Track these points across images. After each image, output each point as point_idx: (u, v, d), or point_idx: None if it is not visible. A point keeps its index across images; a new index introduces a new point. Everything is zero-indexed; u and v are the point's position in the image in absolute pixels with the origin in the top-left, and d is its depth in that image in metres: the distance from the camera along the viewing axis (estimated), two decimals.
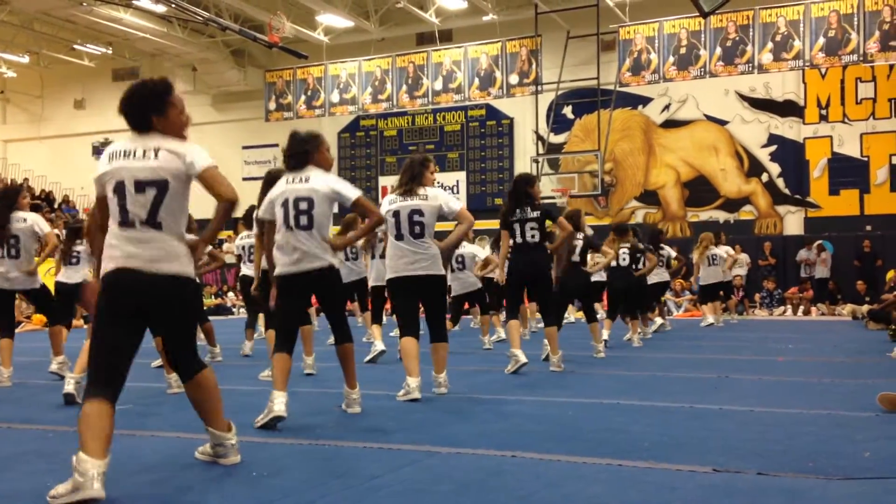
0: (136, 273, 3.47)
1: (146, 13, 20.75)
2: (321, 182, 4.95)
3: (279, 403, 4.69)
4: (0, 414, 5.48)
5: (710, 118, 20.47)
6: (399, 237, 5.81)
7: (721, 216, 20.46)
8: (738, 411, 5.22)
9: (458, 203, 5.93)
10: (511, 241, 7.28)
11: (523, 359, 7.15)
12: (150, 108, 3.70)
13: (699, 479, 3.48)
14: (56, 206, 24.49)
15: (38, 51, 24.25)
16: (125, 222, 3.53)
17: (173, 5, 18.34)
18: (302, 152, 5.04)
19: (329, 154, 5.26)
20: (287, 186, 4.98)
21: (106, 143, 26.56)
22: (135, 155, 3.61)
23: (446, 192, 6.47)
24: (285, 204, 4.92)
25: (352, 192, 4.91)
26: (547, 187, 20.67)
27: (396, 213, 5.79)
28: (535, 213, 7.22)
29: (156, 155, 3.58)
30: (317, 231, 4.90)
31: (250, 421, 4.73)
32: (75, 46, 23.73)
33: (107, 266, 3.53)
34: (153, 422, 5.09)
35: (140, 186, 3.53)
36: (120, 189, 3.55)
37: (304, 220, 4.88)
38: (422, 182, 5.84)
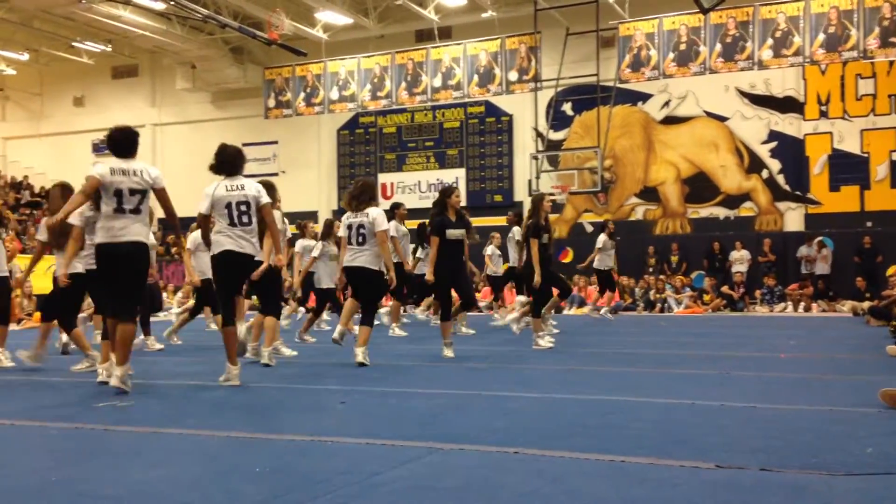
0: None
1: (145, 10, 20.73)
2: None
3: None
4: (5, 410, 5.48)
5: (710, 115, 20.47)
6: (349, 243, 7.83)
7: (721, 213, 20.46)
8: (739, 408, 5.22)
9: (383, 226, 7.75)
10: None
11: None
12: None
13: (702, 475, 3.47)
14: None
15: (38, 48, 24.24)
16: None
17: (172, 2, 18.32)
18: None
19: None
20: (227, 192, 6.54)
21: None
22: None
23: (382, 214, 7.93)
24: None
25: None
26: (546, 184, 20.67)
27: (349, 226, 7.81)
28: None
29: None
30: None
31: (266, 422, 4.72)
32: (75, 44, 23.71)
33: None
34: (159, 420, 5.09)
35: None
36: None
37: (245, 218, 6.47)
38: (369, 204, 7.84)
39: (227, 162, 6.63)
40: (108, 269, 5.94)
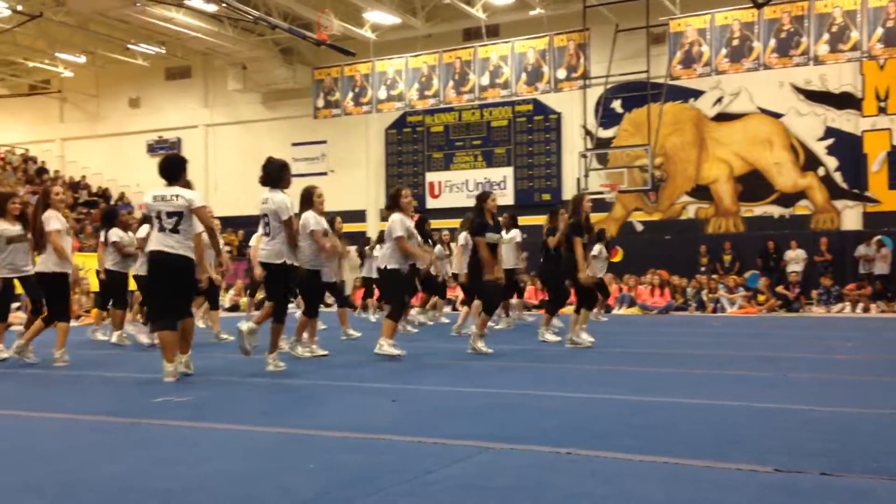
0: None
1: (198, 13, 21.10)
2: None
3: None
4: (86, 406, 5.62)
5: (764, 111, 20.07)
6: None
7: (776, 211, 20.05)
8: (797, 410, 5.10)
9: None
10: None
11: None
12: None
13: (760, 478, 3.40)
14: (113, 202, 25.04)
15: (94, 51, 24.84)
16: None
17: (224, 4, 18.60)
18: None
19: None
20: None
21: (160, 141, 27.13)
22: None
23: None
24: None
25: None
26: (595, 182, 20.50)
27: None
28: None
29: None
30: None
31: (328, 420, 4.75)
32: (129, 46, 24.23)
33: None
34: (214, 415, 5.16)
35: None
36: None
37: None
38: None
39: (268, 174, 7.33)
40: (152, 275, 6.91)
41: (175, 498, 3.20)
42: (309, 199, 8.32)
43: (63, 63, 25.76)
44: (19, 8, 19.57)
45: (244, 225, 21.82)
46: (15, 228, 8.20)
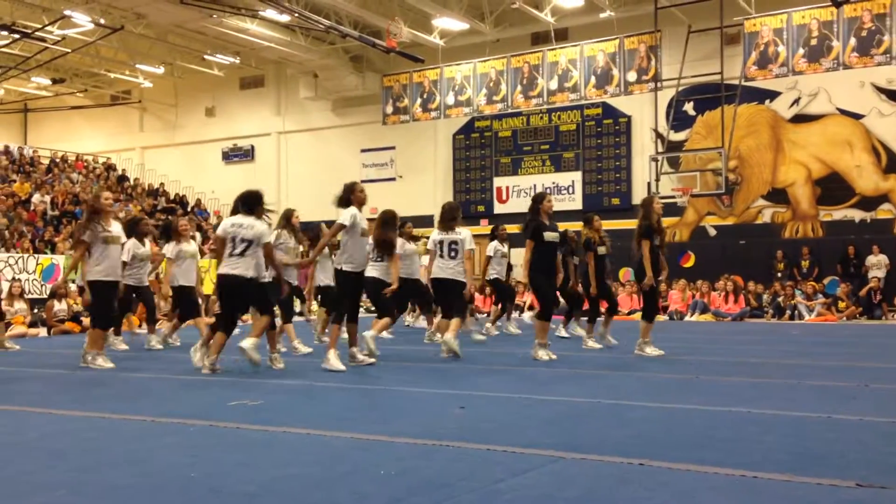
0: None
1: (271, 23, 21.57)
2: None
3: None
4: (141, 408, 5.81)
5: (843, 112, 19.43)
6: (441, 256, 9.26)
7: (856, 215, 19.37)
8: (880, 422, 4.92)
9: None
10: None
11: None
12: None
13: (842, 494, 3.29)
14: (189, 209, 25.76)
15: (172, 62, 25.64)
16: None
17: (297, 15, 18.98)
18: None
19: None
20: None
21: (235, 149, 27.82)
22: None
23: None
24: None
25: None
26: (667, 186, 20.16)
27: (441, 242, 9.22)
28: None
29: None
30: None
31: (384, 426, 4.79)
32: (206, 57, 24.94)
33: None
34: (287, 419, 5.26)
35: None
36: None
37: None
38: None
39: (339, 196, 8.22)
40: (221, 291, 7.88)
41: (255, 501, 3.27)
42: (287, 219, 9.61)
43: (143, 74, 26.65)
44: (102, 21, 20.33)
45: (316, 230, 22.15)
46: (145, 249, 10.16)
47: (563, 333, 11.55)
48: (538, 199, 8.77)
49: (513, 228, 14.52)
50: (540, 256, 8.55)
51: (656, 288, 9.21)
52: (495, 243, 12.18)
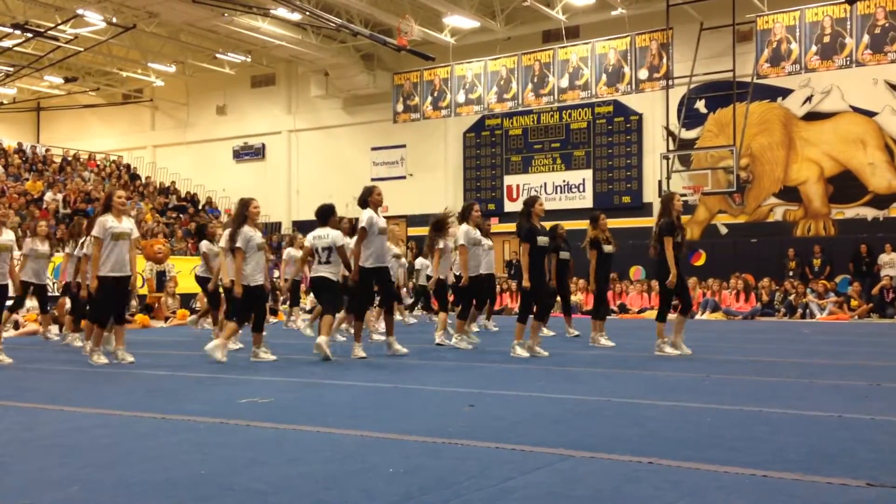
0: None
1: (282, 21, 21.62)
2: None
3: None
4: (154, 406, 5.84)
5: (856, 109, 19.32)
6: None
7: (869, 213, 19.27)
8: (892, 422, 4.90)
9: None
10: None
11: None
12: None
13: (852, 493, 3.28)
14: (200, 207, 25.86)
15: (184, 60, 25.73)
16: None
17: (308, 13, 19.01)
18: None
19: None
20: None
21: (246, 147, 27.90)
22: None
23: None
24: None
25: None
26: (678, 184, 20.10)
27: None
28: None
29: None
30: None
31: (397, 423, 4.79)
32: (217, 55, 25.02)
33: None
34: (297, 417, 5.28)
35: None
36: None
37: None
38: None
39: (359, 198, 9.08)
40: (314, 288, 9.21)
41: (266, 498, 3.29)
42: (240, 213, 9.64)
43: (155, 72, 26.76)
44: (114, 20, 20.42)
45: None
46: (214, 248, 10.73)
47: (574, 332, 11.55)
48: (531, 203, 8.81)
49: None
50: (532, 260, 8.64)
51: (685, 284, 9.12)
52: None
